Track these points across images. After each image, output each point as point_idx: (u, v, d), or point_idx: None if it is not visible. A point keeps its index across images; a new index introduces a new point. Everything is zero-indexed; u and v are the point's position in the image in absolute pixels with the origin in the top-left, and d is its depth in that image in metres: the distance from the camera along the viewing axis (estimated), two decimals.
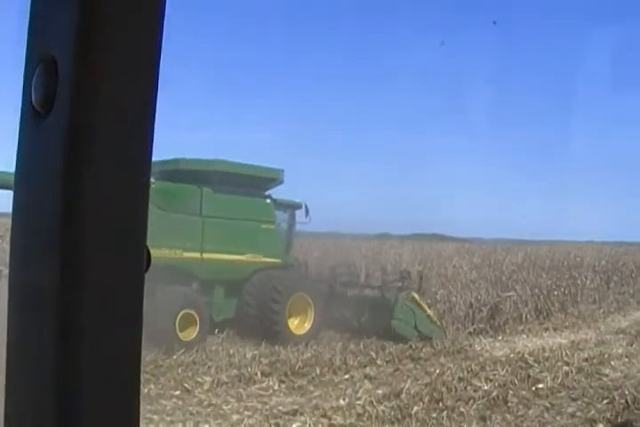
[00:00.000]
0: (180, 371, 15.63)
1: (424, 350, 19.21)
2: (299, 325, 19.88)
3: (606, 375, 16.78)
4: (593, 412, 13.79)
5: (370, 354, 18.15)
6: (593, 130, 59.23)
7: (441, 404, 13.97)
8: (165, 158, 18.77)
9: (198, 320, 18.09)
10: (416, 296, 21.06)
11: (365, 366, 17.13)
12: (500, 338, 22.08)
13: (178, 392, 14.15)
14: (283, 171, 21.07)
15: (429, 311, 21.36)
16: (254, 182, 20.40)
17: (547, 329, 24.21)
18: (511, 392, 14.88)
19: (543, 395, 14.97)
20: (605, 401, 14.39)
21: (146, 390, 13.16)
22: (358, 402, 14.01)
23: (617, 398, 14.53)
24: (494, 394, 14.58)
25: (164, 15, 1.72)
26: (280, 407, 13.65)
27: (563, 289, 31.19)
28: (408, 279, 22.31)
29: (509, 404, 14.19)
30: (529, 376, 16.30)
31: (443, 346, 19.72)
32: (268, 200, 20.95)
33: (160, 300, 16.38)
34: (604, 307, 29.75)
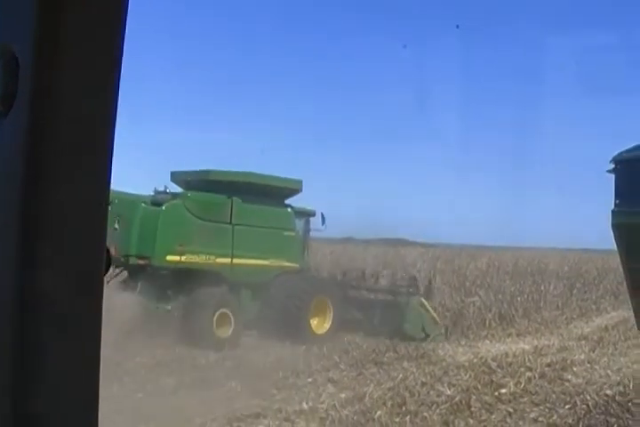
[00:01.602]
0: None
1: (387, 354, 19.20)
2: (319, 325, 21.36)
3: (568, 381, 16.85)
4: (555, 417, 13.84)
5: (333, 358, 18.11)
6: (559, 136, 59.77)
7: (404, 408, 13.95)
8: (197, 169, 21.23)
9: (233, 319, 19.45)
10: (424, 302, 22.74)
11: (329, 370, 17.08)
12: (463, 343, 22.10)
13: None
14: (302, 181, 22.66)
15: (434, 315, 22.95)
16: (277, 192, 21.80)
17: (510, 335, 24.30)
18: (474, 397, 14.88)
19: (506, 400, 14.98)
20: (567, 406, 14.45)
21: None
22: (321, 406, 13.98)
23: (579, 403, 14.60)
24: (457, 399, 14.58)
25: (126, 13, 1.67)
26: (243, 411, 13.58)
27: (526, 295, 31.43)
28: (415, 286, 23.97)
29: (472, 409, 14.19)
30: (492, 381, 16.33)
31: (406, 351, 19.71)
32: (289, 209, 22.47)
33: (199, 300, 18.78)
34: (566, 313, 29.97)
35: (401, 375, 16.66)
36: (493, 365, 18.17)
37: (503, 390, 15.59)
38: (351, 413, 13.55)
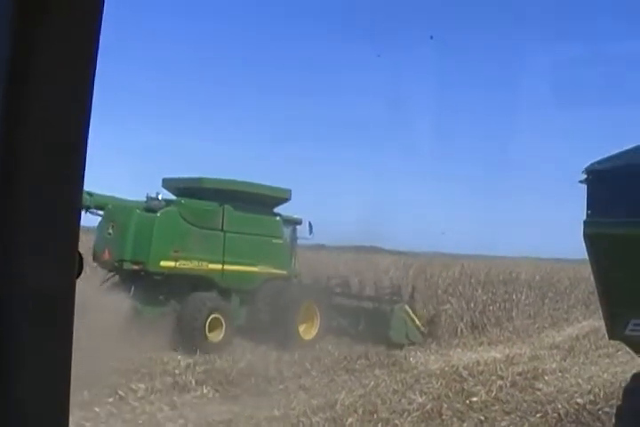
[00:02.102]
0: None
1: (359, 361, 19.20)
2: (306, 331, 21.79)
3: (540, 390, 16.88)
4: (526, 425, 13.89)
5: (304, 365, 18.09)
6: (533, 146, 60.11)
7: (375, 416, 13.94)
8: (189, 177, 21.70)
9: (224, 324, 19.86)
10: (408, 309, 23.23)
11: (300, 377, 17.05)
12: (434, 351, 22.13)
13: None
14: (290, 191, 23.10)
15: (417, 322, 23.41)
16: (267, 201, 22.32)
17: (481, 343, 24.40)
18: (445, 405, 14.90)
19: (477, 408, 15.01)
20: (539, 415, 14.49)
21: None
22: (293, 412, 13.95)
23: (550, 411, 14.65)
24: (429, 407, 14.59)
25: (102, 15, 1.67)
26: (214, 416, 13.54)
27: (498, 304, 31.48)
28: (398, 294, 24.46)
29: (443, 417, 14.20)
30: (463, 390, 16.37)
31: (378, 358, 19.73)
32: (278, 217, 22.91)
33: (191, 305, 19.26)
34: (538, 322, 30.13)
35: (372, 383, 16.66)
36: (465, 373, 18.23)
37: (474, 399, 15.62)
38: (322, 420, 13.52)
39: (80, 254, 1.73)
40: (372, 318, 22.65)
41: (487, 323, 27.76)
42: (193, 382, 15.77)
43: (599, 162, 10.51)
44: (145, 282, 19.34)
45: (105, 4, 1.68)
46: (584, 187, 10.61)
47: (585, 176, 10.60)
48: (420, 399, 15.26)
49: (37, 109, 1.58)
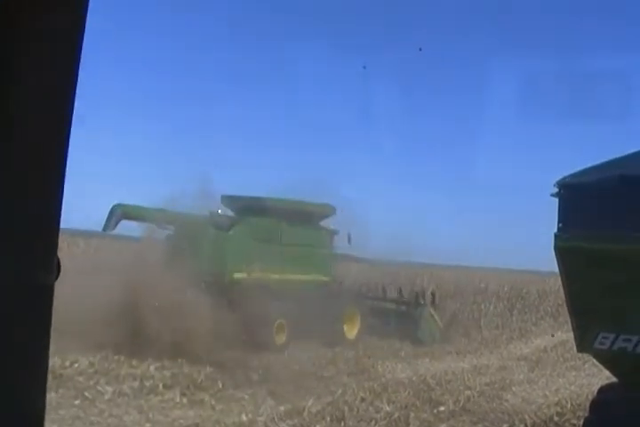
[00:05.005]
0: None
1: (328, 368, 19.20)
2: (349, 330, 24.76)
3: (507, 400, 16.94)
4: None
5: (272, 371, 18.04)
6: (501, 157, 60.37)
7: (343, 423, 13.95)
8: (249, 195, 24.00)
9: (286, 328, 22.22)
10: (433, 312, 26.87)
11: (268, 383, 17.01)
12: (402, 360, 22.15)
13: None
14: (335, 208, 25.25)
15: (440, 323, 26.86)
16: (315, 216, 25.15)
17: (449, 353, 24.41)
18: (413, 414, 14.90)
19: (444, 418, 15.02)
20: (506, 425, 14.54)
21: None
22: (260, 418, 13.93)
23: (517, 422, 14.71)
24: (396, 415, 14.59)
25: (86, 14, 1.67)
26: (181, 421, 13.51)
27: (466, 314, 31.57)
28: (423, 298, 27.75)
29: (411, 426, 14.23)
30: (431, 399, 16.36)
31: (346, 366, 19.74)
32: (323, 230, 25.61)
33: (260, 312, 20.65)
34: (506, 333, 30.21)
35: (340, 390, 16.64)
36: (432, 382, 18.22)
37: (442, 408, 15.64)
38: (290, 426, 13.54)
39: (58, 259, 1.72)
40: (403, 319, 25.94)
41: (455, 333, 27.80)
42: (160, 386, 15.74)
43: (571, 175, 10.58)
44: (221, 291, 20.86)
45: (90, 3, 1.68)
46: (555, 200, 10.71)
47: (557, 189, 10.68)
48: (388, 408, 15.23)
49: (18, 109, 1.58)
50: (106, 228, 21.49)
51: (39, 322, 1.68)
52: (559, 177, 9.99)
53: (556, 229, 10.20)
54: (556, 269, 9.87)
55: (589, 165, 9.88)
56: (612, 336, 9.48)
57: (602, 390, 10.21)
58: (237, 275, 22.21)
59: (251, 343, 20.02)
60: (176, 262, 20.65)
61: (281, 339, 22.15)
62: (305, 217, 24.42)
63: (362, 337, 24.64)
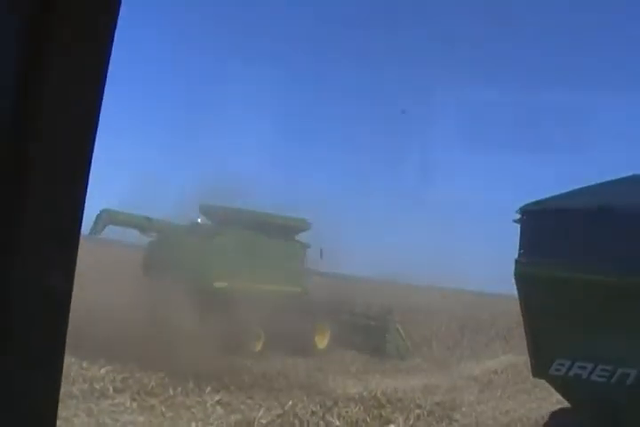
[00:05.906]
0: None
1: (279, 380, 19.17)
2: (320, 341, 26.03)
3: (457, 421, 16.97)
4: None
5: (223, 380, 17.96)
6: (460, 181, 60.84)
7: None
8: (228, 206, 24.91)
9: (263, 335, 23.43)
10: (399, 327, 28.45)
11: (219, 391, 16.94)
12: (353, 376, 22.16)
13: None
14: (310, 223, 26.55)
15: (405, 339, 28.44)
16: (290, 230, 26.42)
17: (400, 371, 24.45)
18: None
19: None
20: None
21: None
22: None
23: None
24: None
25: (117, 18, 1.70)
26: (130, 426, 13.45)
27: (418, 333, 31.59)
28: (391, 314, 28.94)
29: None
30: (381, 416, 16.38)
31: (297, 379, 19.73)
32: (297, 244, 26.77)
33: (239, 319, 21.32)
34: (457, 354, 30.25)
35: (291, 402, 16.62)
36: (383, 399, 18.19)
37: (392, 426, 15.69)
38: None
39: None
40: (371, 333, 27.28)
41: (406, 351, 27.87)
42: (111, 390, 15.66)
43: (534, 203, 10.74)
44: (199, 298, 20.86)
45: (121, 6, 1.71)
46: (516, 226, 10.83)
47: (519, 216, 10.81)
48: (338, 423, 15.27)
49: (44, 110, 1.61)
50: (92, 232, 21.70)
51: (59, 320, 1.71)
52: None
53: (517, 255, 10.34)
54: (509, 292, 9.99)
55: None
56: (567, 363, 9.61)
57: (554, 416, 10.36)
58: (217, 283, 22.94)
59: (227, 349, 20.41)
60: (157, 268, 21.42)
61: (258, 346, 23.29)
62: (281, 230, 25.62)
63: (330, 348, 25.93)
